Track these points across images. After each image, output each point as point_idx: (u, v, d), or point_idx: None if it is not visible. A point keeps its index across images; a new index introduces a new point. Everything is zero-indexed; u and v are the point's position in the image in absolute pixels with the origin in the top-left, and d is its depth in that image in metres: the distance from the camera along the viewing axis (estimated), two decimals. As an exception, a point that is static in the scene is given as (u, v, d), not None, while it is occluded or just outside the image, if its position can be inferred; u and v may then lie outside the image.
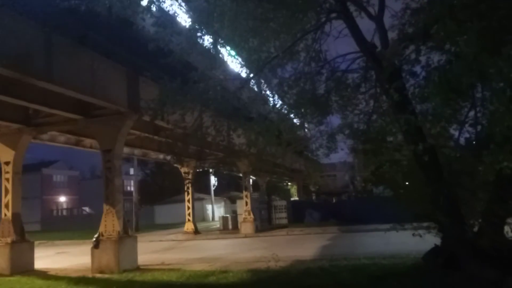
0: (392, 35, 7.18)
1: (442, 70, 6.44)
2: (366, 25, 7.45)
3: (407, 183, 7.78)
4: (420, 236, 7.31)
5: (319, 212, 27.53)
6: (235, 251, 16.16)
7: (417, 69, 6.91)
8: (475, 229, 6.84)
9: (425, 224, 7.36)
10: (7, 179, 13.47)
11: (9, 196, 13.30)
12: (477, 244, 6.35)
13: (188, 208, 26.86)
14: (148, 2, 6.23)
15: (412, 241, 7.52)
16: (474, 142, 6.96)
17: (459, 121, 6.97)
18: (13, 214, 13.16)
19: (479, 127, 6.89)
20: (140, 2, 6.05)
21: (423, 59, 6.73)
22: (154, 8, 6.66)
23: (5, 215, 13.22)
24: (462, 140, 7.11)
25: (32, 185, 42.24)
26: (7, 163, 13.56)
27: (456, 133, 7.11)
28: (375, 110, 7.89)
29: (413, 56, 6.82)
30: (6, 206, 13.27)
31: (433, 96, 6.60)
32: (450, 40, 6.29)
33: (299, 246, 16.32)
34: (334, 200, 38.37)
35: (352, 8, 7.26)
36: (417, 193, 7.20)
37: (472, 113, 6.93)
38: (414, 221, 7.46)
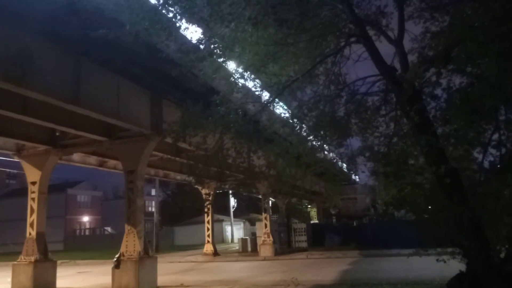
0: (412, 58, 7.21)
1: (464, 93, 6.40)
2: (385, 48, 7.51)
3: (429, 206, 7.62)
4: (445, 261, 7.10)
5: (340, 236, 27.04)
6: (254, 274, 16.00)
7: (438, 91, 6.88)
8: (501, 254, 6.62)
9: (449, 249, 7.16)
10: (33, 199, 13.84)
11: (34, 216, 13.65)
12: (503, 270, 6.14)
13: (208, 229, 26.85)
14: (171, 31, 6.47)
15: (436, 267, 7.32)
16: (498, 165, 6.82)
17: (483, 144, 6.86)
18: (38, 233, 13.46)
19: (503, 150, 6.77)
20: (164, 30, 6.29)
21: (444, 81, 6.71)
22: (177, 35, 6.92)
23: (30, 234, 13.53)
24: (486, 163, 6.98)
25: (57, 205, 43.10)
26: (33, 183, 13.97)
27: (480, 156, 6.99)
28: (396, 132, 7.83)
29: (433, 78, 6.81)
30: (31, 225, 13.60)
31: (455, 119, 6.55)
32: (471, 62, 6.28)
33: (319, 270, 16.03)
34: (354, 224, 37.60)
35: (371, 32, 7.33)
36: (440, 217, 7.04)
37: (496, 136, 6.83)
38: (438, 246, 7.26)
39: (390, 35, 7.35)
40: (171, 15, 6.11)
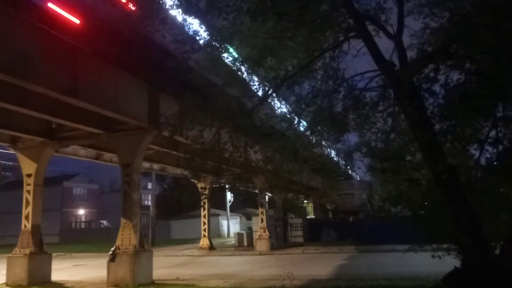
0: (411, 54, 7.18)
1: (462, 89, 6.39)
2: (384, 44, 7.48)
3: (426, 203, 7.63)
4: (440, 257, 7.13)
5: (336, 231, 27.12)
6: (250, 268, 16.02)
7: (436, 87, 6.87)
8: (497, 251, 6.64)
9: (444, 245, 7.19)
10: (29, 191, 13.76)
11: (30, 208, 13.57)
12: (500, 266, 6.16)
13: (204, 223, 26.86)
14: (168, 20, 6.42)
15: (432, 263, 7.35)
16: (495, 162, 6.83)
17: (480, 141, 6.86)
18: (33, 226, 13.39)
19: (500, 147, 6.77)
20: (160, 20, 6.23)
21: (442, 77, 6.70)
22: (174, 26, 6.86)
23: (25, 226, 13.46)
24: (483, 160, 6.98)
25: (53, 198, 42.94)
26: (29, 175, 13.88)
27: (477, 153, 7.00)
28: (393, 128, 7.82)
29: (432, 74, 6.79)
30: (26, 217, 13.53)
31: (453, 115, 6.54)
32: (470, 59, 6.26)
33: (315, 265, 16.07)
34: (351, 219, 37.68)
35: (370, 27, 7.29)
36: (437, 213, 7.06)
37: (493, 133, 6.82)
38: (433, 242, 7.28)
39: (389, 31, 7.32)
40: (170, 3, 6.04)
